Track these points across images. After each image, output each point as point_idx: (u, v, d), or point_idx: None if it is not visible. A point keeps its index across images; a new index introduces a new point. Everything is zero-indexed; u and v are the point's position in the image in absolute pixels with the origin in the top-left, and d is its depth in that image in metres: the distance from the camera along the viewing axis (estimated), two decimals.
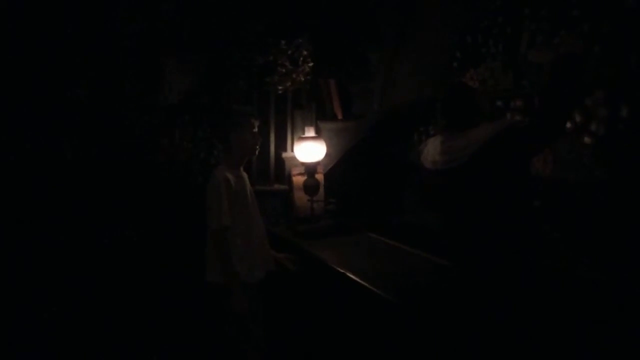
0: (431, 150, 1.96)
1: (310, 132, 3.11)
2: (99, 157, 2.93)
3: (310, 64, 3.35)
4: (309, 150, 3.04)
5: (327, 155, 3.14)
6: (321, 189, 3.16)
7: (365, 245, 2.77)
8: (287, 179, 3.38)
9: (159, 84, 3.04)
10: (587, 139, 2.01)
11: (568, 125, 2.03)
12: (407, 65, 3.24)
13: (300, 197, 3.17)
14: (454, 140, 1.85)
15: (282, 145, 3.48)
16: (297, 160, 3.11)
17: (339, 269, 2.29)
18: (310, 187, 3.04)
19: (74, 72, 2.87)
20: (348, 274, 2.21)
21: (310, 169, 3.04)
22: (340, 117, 3.53)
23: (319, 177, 3.16)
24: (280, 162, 3.46)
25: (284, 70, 3.28)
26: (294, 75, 3.31)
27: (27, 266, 2.74)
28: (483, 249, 1.78)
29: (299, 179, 3.19)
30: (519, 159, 1.76)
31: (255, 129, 2.41)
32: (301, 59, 3.31)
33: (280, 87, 3.34)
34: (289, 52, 3.27)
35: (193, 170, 3.07)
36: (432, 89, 2.82)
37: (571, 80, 1.60)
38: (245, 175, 2.44)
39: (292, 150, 3.27)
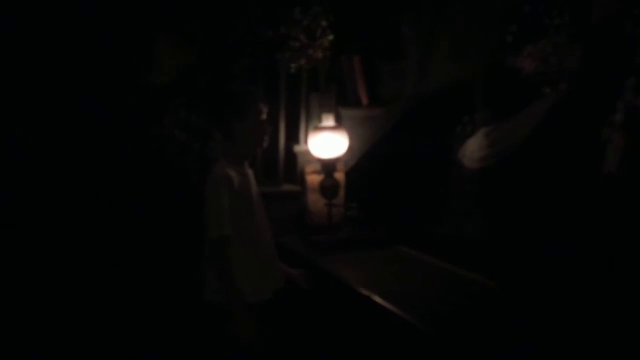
0: (475, 147, 2.01)
1: (329, 120, 3.12)
2: (70, 149, 2.99)
3: (331, 38, 3.35)
4: (328, 143, 3.05)
5: (349, 149, 3.13)
6: (341, 192, 3.16)
7: (396, 261, 2.78)
8: (299, 178, 3.40)
9: (148, 62, 3.09)
10: None
11: None
12: (450, 41, 3.23)
13: (316, 201, 3.17)
14: (500, 129, 1.88)
15: (294, 137, 3.50)
16: (313, 155, 3.13)
17: (362, 291, 2.31)
18: (328, 189, 3.05)
19: (39, 42, 2.92)
20: (374, 297, 2.23)
21: (328, 167, 3.05)
22: (366, 102, 3.53)
23: (339, 176, 3.16)
24: (291, 157, 3.48)
25: (298, 45, 3.29)
26: (310, 51, 3.31)
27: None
28: (540, 265, 1.81)
29: (314, 179, 3.21)
30: (577, 142, 1.77)
31: (264, 116, 2.43)
32: (319, 31, 3.32)
33: (293, 66, 3.35)
34: (305, 23, 3.28)
35: (187, 166, 3.11)
36: (480, 69, 2.84)
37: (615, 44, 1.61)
38: (251, 173, 2.48)
39: (307, 143, 3.29)
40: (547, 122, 1.77)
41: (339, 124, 3.22)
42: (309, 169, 3.28)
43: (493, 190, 2.31)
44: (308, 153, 3.22)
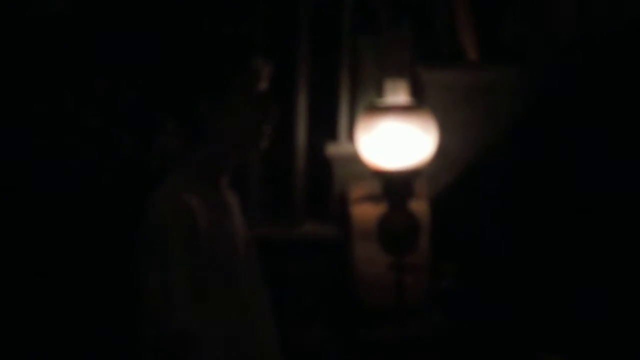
0: None
1: (397, 93, 3.16)
2: None
3: None
4: (395, 139, 3.07)
5: (439, 152, 3.14)
6: (424, 239, 3.14)
7: None
8: (337, 210, 3.41)
9: None
10: None
11: None
12: None
13: (371, 258, 3.23)
14: None
15: (325, 128, 3.50)
16: (364, 164, 3.16)
17: None
18: (397, 234, 3.06)
19: None
20: None
21: (395, 188, 3.08)
22: (474, 57, 3.50)
23: (419, 207, 3.22)
24: (320, 168, 3.47)
25: None
26: None
27: None
28: None
29: (366, 213, 3.30)
30: None
31: (264, 85, 2.26)
32: None
33: None
34: None
35: (106, 184, 3.07)
36: None
37: None
38: (234, 198, 2.30)
39: (352, 140, 3.34)
40: None
41: (419, 101, 3.22)
42: (356, 191, 3.36)
43: None
44: (355, 159, 3.27)
